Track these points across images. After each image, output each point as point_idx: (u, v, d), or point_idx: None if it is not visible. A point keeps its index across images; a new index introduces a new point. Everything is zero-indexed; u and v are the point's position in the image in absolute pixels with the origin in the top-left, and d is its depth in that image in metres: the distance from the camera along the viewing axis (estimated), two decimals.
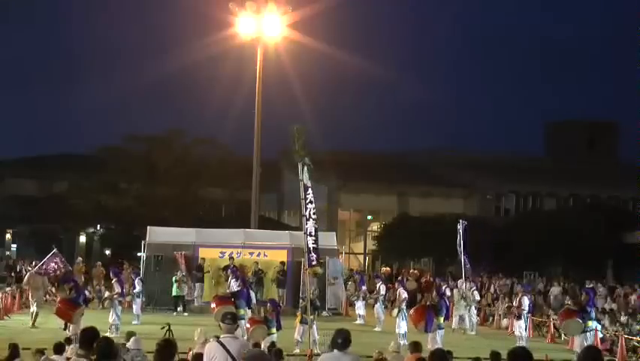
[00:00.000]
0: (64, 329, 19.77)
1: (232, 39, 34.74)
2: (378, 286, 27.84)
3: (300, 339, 19.54)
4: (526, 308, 22.90)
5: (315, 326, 19.73)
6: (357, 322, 27.11)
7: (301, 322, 19.73)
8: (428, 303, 22.96)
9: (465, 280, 27.15)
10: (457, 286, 27.78)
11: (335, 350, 8.36)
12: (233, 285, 23.42)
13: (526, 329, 23.03)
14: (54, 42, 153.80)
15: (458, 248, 27.02)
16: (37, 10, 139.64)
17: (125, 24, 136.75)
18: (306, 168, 19.19)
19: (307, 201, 19.29)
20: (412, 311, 21.45)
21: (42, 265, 26.25)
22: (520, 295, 23.92)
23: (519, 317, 22.94)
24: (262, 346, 15.05)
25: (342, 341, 8.33)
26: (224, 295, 23.35)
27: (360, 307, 28.14)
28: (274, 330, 18.58)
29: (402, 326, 22.39)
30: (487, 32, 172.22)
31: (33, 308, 23.87)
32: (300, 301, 22.27)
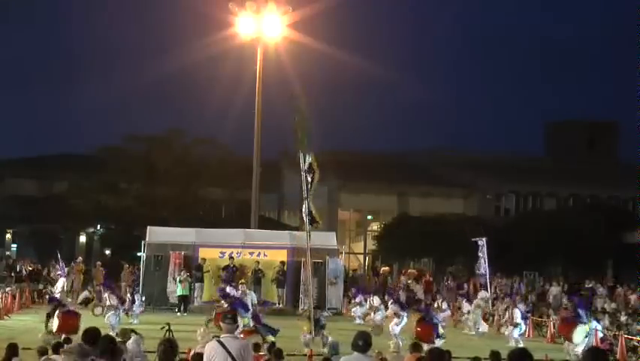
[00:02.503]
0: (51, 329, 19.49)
1: (232, 39, 34.74)
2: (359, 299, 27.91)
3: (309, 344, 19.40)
4: (519, 320, 23.15)
5: (324, 331, 19.60)
6: (357, 322, 27.12)
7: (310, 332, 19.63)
8: (430, 318, 22.43)
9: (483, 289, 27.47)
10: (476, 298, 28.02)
11: (355, 353, 8.31)
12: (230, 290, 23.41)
13: (523, 331, 23.16)
14: (54, 42, 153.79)
15: (482, 265, 27.43)
16: (37, 10, 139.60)
17: (125, 24, 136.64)
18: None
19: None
20: (419, 328, 21.08)
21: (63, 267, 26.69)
22: (511, 307, 24.13)
23: (515, 326, 23.13)
24: (262, 345, 15.06)
25: (362, 343, 8.25)
26: (224, 310, 23.08)
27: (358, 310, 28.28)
28: (271, 337, 18.47)
29: (395, 328, 22.31)
30: (487, 32, 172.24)
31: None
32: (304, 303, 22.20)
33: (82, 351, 7.93)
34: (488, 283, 27.58)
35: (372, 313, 26.34)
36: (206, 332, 12.37)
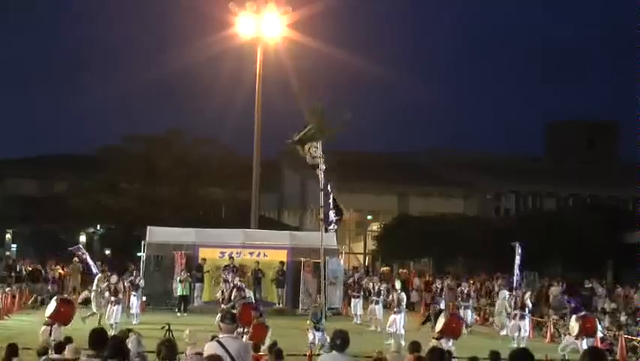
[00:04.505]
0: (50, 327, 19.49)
1: (232, 39, 34.70)
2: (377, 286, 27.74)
3: (315, 343, 19.46)
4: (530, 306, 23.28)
5: (324, 331, 19.66)
6: (354, 321, 27.20)
7: (316, 328, 19.68)
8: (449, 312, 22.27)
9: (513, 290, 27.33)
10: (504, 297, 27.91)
11: (333, 351, 8.35)
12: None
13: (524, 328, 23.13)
14: (54, 42, 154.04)
15: (516, 267, 27.52)
16: (37, 11, 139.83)
17: (125, 24, 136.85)
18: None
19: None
20: (454, 323, 20.93)
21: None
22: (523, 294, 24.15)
23: (522, 318, 23.04)
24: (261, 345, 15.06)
25: (340, 342, 8.30)
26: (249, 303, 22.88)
27: (356, 307, 28.31)
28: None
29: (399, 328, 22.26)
30: (487, 32, 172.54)
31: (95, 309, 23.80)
32: (313, 306, 22.17)
33: None
34: (515, 283, 27.56)
35: (372, 304, 26.53)
36: (193, 333, 12.37)
